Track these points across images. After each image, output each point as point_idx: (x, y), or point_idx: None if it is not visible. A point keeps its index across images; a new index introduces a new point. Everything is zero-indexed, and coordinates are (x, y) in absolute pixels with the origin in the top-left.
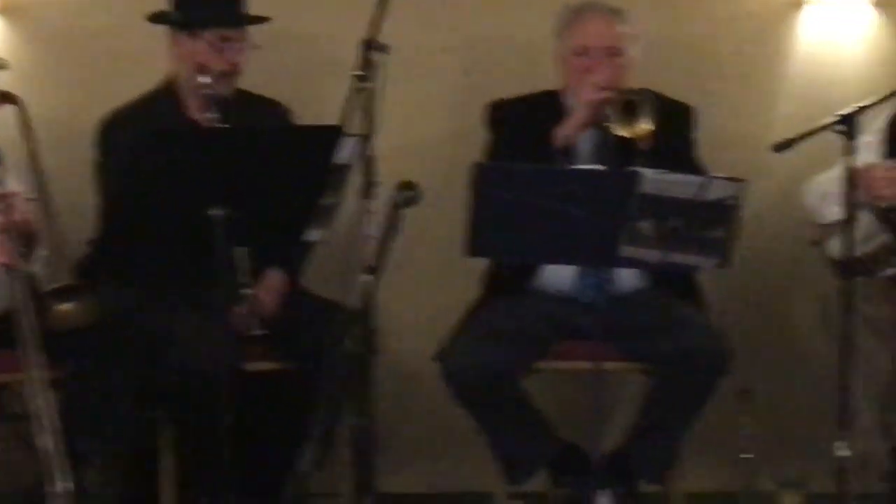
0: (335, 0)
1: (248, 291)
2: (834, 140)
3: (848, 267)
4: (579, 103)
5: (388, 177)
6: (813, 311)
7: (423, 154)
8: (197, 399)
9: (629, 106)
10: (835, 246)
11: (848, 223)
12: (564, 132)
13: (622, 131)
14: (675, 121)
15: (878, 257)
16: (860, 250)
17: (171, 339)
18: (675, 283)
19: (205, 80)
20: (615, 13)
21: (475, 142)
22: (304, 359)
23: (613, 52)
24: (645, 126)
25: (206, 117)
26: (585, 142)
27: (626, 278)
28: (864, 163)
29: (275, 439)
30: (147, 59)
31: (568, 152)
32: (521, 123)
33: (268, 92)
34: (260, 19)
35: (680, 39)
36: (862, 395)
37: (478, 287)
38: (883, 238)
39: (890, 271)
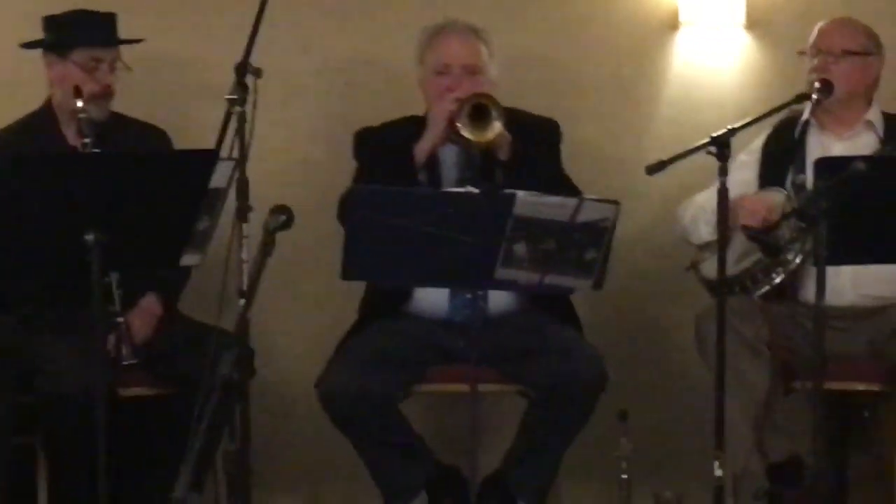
0: (209, 23)
1: (121, 320)
2: (708, 161)
3: (722, 285)
4: (435, 118)
5: (262, 201)
6: (688, 332)
7: (297, 178)
8: (71, 425)
9: (479, 111)
10: (709, 266)
11: (721, 244)
12: (423, 147)
13: (472, 136)
14: (540, 135)
15: (752, 276)
16: (734, 269)
17: (44, 364)
18: (550, 305)
19: (79, 103)
20: (474, 32)
21: (348, 165)
22: (179, 384)
23: (473, 71)
24: (495, 129)
25: (82, 142)
26: (449, 157)
27: (501, 300)
28: (740, 181)
29: (150, 464)
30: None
31: (431, 168)
32: (387, 149)
33: (142, 115)
34: (132, 41)
35: (555, 60)
36: (738, 414)
37: (355, 311)
38: (756, 257)
39: (763, 289)
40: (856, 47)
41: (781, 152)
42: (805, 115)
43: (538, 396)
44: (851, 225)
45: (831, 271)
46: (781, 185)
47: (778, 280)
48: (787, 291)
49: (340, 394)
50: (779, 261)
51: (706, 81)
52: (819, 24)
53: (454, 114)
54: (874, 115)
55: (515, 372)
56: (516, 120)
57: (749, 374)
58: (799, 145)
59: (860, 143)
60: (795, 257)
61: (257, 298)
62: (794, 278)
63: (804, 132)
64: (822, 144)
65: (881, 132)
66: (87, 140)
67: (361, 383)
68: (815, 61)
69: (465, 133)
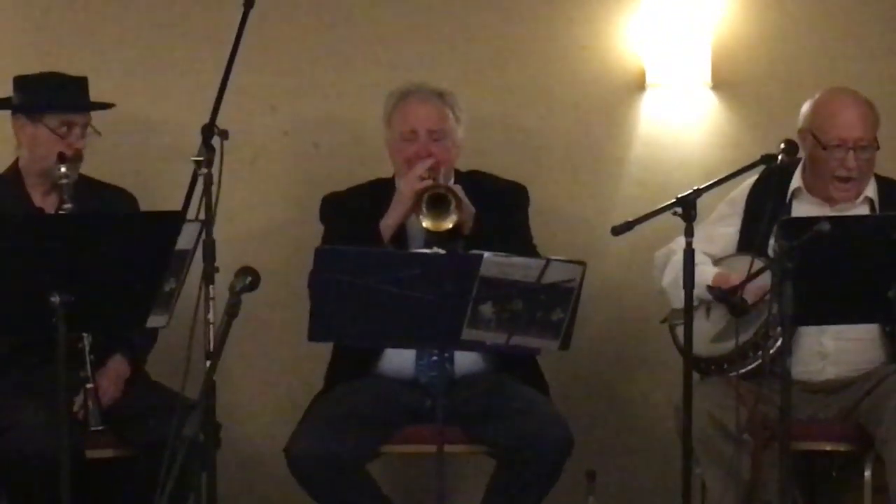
0: (175, 85)
1: (89, 385)
2: (675, 221)
3: (696, 366)
4: (401, 194)
5: (228, 262)
6: (655, 392)
7: (264, 239)
8: (37, 485)
9: (438, 200)
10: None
11: (687, 304)
12: (389, 223)
13: (427, 223)
14: (508, 200)
15: (729, 359)
16: (712, 350)
17: (11, 425)
18: (517, 366)
19: (62, 168)
20: (440, 96)
21: (317, 226)
22: (145, 446)
23: (439, 135)
24: (452, 220)
25: (63, 206)
26: (415, 226)
27: (467, 361)
28: (722, 234)
29: None
30: None
31: (398, 239)
32: (354, 217)
33: (109, 177)
34: (104, 105)
35: (522, 122)
36: (720, 498)
37: (323, 372)
38: (731, 344)
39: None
40: (874, 135)
41: (765, 213)
42: (795, 183)
43: (504, 458)
44: (816, 285)
45: (815, 354)
46: (763, 249)
47: (755, 364)
48: (762, 369)
49: (308, 457)
50: (757, 345)
51: (673, 142)
52: (833, 110)
53: (419, 192)
54: (872, 189)
55: (481, 432)
56: (484, 184)
57: (732, 460)
58: (786, 212)
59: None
60: (774, 343)
61: (224, 360)
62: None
63: (793, 198)
64: (809, 212)
65: (878, 205)
66: (67, 205)
67: (329, 446)
68: (839, 154)
69: (425, 223)
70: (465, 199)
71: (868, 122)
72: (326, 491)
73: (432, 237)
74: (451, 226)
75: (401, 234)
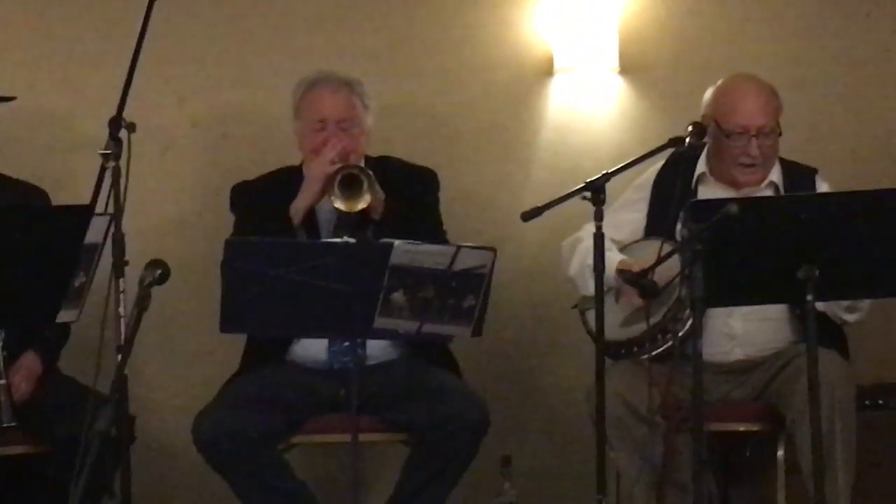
0: (82, 79)
1: (1, 381)
2: (584, 206)
3: (607, 350)
4: (310, 177)
5: (138, 255)
6: (568, 376)
7: (174, 231)
8: None
9: (350, 181)
10: (593, 319)
11: (598, 288)
12: (298, 206)
13: (343, 206)
14: (417, 186)
15: (640, 343)
16: (622, 334)
17: None
18: (430, 353)
19: None
20: (348, 84)
21: (227, 217)
22: (58, 443)
23: (348, 124)
24: (365, 200)
25: None
26: (325, 212)
27: (380, 348)
28: (629, 220)
29: None
30: None
31: (308, 223)
32: (264, 204)
33: (16, 172)
34: (5, 98)
35: (431, 108)
36: (636, 479)
37: (236, 364)
38: (642, 326)
39: (650, 354)
40: (776, 121)
41: (672, 198)
42: (701, 168)
43: (419, 440)
44: (725, 267)
45: (723, 335)
46: (671, 233)
47: (665, 346)
48: (672, 352)
49: (216, 433)
50: (666, 328)
51: (581, 127)
52: (734, 98)
53: (329, 176)
54: (776, 174)
55: (396, 418)
56: (394, 170)
57: (646, 443)
58: (692, 197)
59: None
60: (683, 325)
61: (136, 354)
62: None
63: (699, 182)
64: (714, 196)
65: (782, 189)
66: None
67: (236, 423)
68: (741, 141)
69: (336, 203)
70: (377, 185)
71: (769, 109)
72: (235, 469)
73: (343, 221)
74: (363, 206)
75: (311, 220)
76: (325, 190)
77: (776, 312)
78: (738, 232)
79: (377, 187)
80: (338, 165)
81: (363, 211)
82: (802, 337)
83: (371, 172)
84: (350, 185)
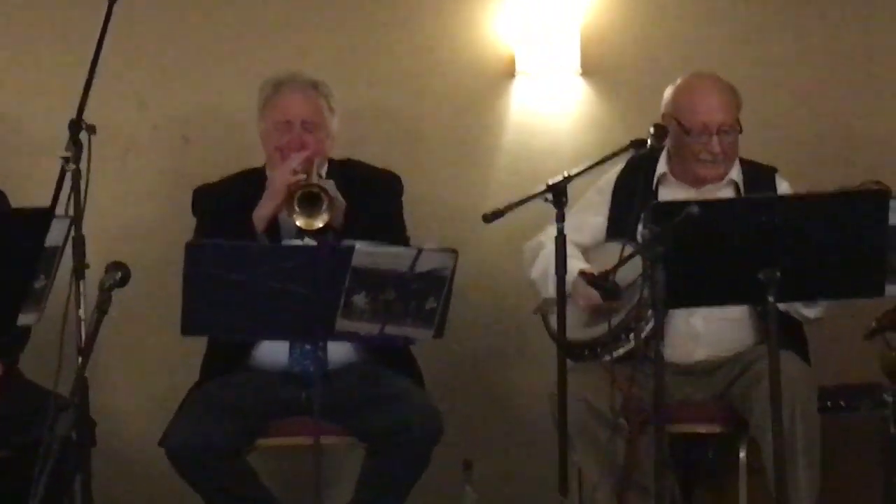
0: (42, 81)
1: None
2: (546, 208)
3: (570, 351)
4: (273, 186)
5: (99, 258)
6: (531, 380)
7: (135, 234)
8: None
9: (310, 198)
10: (556, 321)
11: (560, 293)
12: (261, 214)
13: (299, 222)
14: (381, 189)
15: (602, 343)
16: (584, 334)
17: None
18: (390, 356)
19: None
20: (314, 86)
21: (188, 220)
22: (19, 448)
23: (313, 126)
24: (324, 219)
25: None
26: (287, 219)
27: (340, 352)
28: (591, 224)
29: None
30: None
31: (272, 231)
32: (226, 208)
33: None
34: None
35: (393, 112)
36: (599, 481)
37: (198, 367)
38: (604, 326)
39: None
40: (736, 118)
41: (633, 199)
42: (661, 168)
43: (373, 446)
44: (687, 268)
45: (685, 336)
46: (632, 235)
47: (628, 347)
48: (635, 353)
49: (186, 448)
50: (629, 328)
51: (543, 129)
52: (694, 96)
53: (291, 187)
54: (736, 172)
55: (353, 423)
56: (358, 173)
57: (608, 445)
58: (652, 197)
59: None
60: (646, 325)
61: (98, 357)
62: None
63: (659, 183)
64: (675, 197)
65: (742, 188)
66: None
67: (206, 436)
68: (702, 138)
69: (296, 220)
70: (337, 196)
71: (730, 107)
72: (205, 480)
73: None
74: (322, 224)
75: (273, 225)
76: (287, 203)
77: (738, 312)
78: (699, 233)
79: (337, 202)
80: (301, 177)
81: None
82: (764, 337)
83: (331, 189)
84: (310, 203)
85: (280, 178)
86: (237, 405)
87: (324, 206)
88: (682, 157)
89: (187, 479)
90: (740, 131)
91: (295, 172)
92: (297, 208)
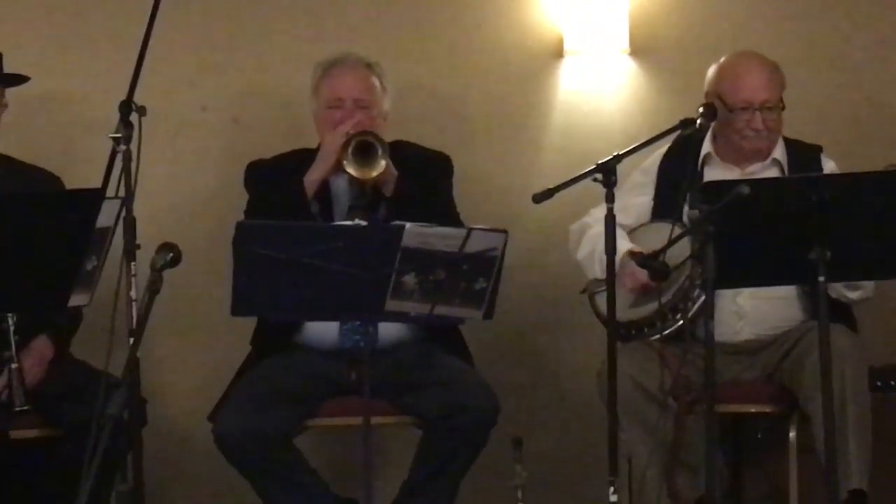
0: (93, 62)
1: (14, 365)
2: (595, 188)
3: (617, 331)
4: (325, 149)
5: (150, 239)
6: (579, 358)
7: (186, 214)
8: None
9: (364, 148)
10: (603, 299)
11: (609, 273)
12: (312, 177)
13: (357, 173)
14: (431, 170)
15: (650, 322)
16: (632, 314)
17: None
18: (440, 335)
19: None
20: (367, 66)
21: (239, 200)
22: (71, 426)
23: (365, 104)
24: (379, 167)
25: None
26: (340, 187)
27: (391, 330)
28: (636, 204)
29: None
30: None
31: (323, 198)
32: (278, 181)
33: (28, 155)
34: (18, 78)
35: (442, 91)
36: (647, 461)
37: (248, 346)
38: (653, 305)
39: (661, 334)
40: (779, 96)
41: (678, 180)
42: (706, 149)
43: (431, 427)
44: (737, 248)
45: (731, 315)
46: (678, 216)
47: (676, 326)
48: (683, 332)
49: (234, 433)
50: (677, 307)
51: (592, 109)
52: (737, 74)
53: (346, 141)
54: (780, 152)
55: (407, 403)
56: (408, 154)
57: (657, 425)
58: (698, 177)
59: (763, 176)
60: (693, 304)
61: (148, 337)
62: (691, 323)
63: (704, 164)
64: (720, 177)
65: (786, 168)
66: None
67: (255, 422)
68: (746, 115)
69: (350, 170)
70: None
71: (773, 84)
72: (253, 466)
73: (357, 201)
74: (377, 174)
75: (325, 195)
76: (340, 161)
77: (784, 291)
78: (749, 213)
79: (389, 162)
80: (347, 136)
81: (375, 186)
82: (811, 315)
83: (384, 140)
84: (364, 152)
85: (333, 142)
86: (287, 390)
87: (378, 154)
88: (726, 135)
89: (234, 464)
90: (783, 108)
91: (347, 135)
92: (350, 157)
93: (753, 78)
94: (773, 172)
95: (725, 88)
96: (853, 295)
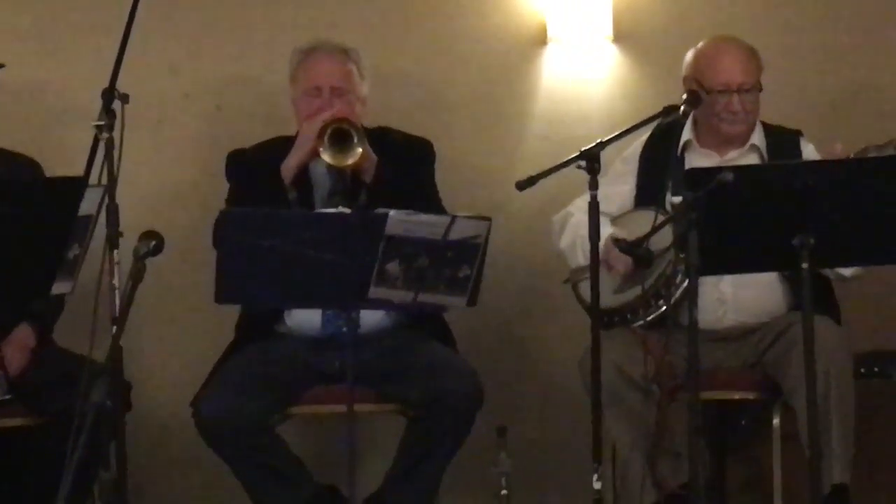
0: (75, 49)
1: None
2: (578, 175)
3: (600, 318)
4: (303, 136)
5: (133, 227)
6: (563, 345)
7: (168, 202)
8: None
9: (341, 135)
10: (586, 287)
11: (593, 260)
12: (289, 164)
13: (333, 160)
14: (413, 155)
15: (633, 309)
16: (614, 301)
17: None
18: (425, 324)
19: None
20: (344, 52)
21: (221, 188)
22: (54, 415)
23: (343, 92)
24: (355, 154)
25: None
26: (319, 175)
27: (374, 317)
28: (618, 193)
29: (25, 496)
30: None
31: (302, 186)
32: (258, 169)
33: (7, 143)
34: None
35: (425, 78)
36: (630, 448)
37: (231, 335)
38: (636, 291)
39: (644, 321)
40: (756, 79)
41: (660, 168)
42: (686, 135)
43: (415, 414)
44: (720, 235)
45: (714, 301)
46: (660, 202)
47: (658, 312)
48: (666, 319)
49: (216, 418)
50: (660, 294)
51: (575, 96)
52: (714, 57)
53: (322, 127)
54: (758, 137)
55: (391, 391)
56: (390, 140)
57: (640, 411)
58: (679, 164)
59: (743, 162)
60: (677, 291)
61: (131, 325)
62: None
63: (685, 150)
64: (700, 164)
65: (765, 153)
66: None
67: (236, 407)
68: (723, 98)
69: (326, 157)
70: (366, 140)
71: (751, 67)
72: (235, 451)
73: (337, 186)
74: (353, 161)
75: (304, 182)
76: (317, 148)
77: (767, 277)
78: (732, 200)
79: (367, 145)
80: (325, 122)
81: (355, 172)
82: (795, 303)
83: (360, 127)
84: (340, 140)
85: (309, 128)
86: (269, 376)
87: (354, 142)
88: (705, 118)
89: (215, 449)
90: (760, 90)
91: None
92: (326, 143)
93: (731, 61)
94: (751, 158)
95: (702, 71)
96: (846, 272)
